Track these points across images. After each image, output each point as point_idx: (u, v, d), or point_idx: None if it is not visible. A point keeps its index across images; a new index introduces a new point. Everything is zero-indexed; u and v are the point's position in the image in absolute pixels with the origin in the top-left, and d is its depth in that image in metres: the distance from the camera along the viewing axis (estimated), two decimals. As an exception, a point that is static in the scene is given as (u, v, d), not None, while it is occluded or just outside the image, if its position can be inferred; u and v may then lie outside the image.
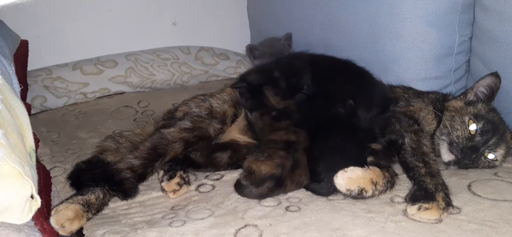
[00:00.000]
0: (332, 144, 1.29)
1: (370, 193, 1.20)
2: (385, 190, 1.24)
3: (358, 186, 1.18)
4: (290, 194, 1.27)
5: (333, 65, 1.66)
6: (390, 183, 1.26)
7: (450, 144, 1.37)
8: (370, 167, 1.24)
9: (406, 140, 1.31)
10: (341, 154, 1.26)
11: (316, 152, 1.29)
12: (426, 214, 1.11)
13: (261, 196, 1.24)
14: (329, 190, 1.23)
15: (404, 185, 1.28)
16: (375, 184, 1.21)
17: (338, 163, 1.23)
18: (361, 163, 1.26)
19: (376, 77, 1.61)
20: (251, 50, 2.34)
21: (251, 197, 1.25)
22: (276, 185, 1.24)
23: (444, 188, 1.18)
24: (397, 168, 1.35)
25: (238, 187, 1.27)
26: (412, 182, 1.23)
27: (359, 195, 1.19)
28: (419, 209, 1.12)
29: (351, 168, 1.20)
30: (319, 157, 1.27)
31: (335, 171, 1.22)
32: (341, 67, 1.64)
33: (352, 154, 1.28)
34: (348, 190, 1.18)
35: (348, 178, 1.18)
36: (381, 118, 1.45)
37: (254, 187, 1.24)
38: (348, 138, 1.31)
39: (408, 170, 1.26)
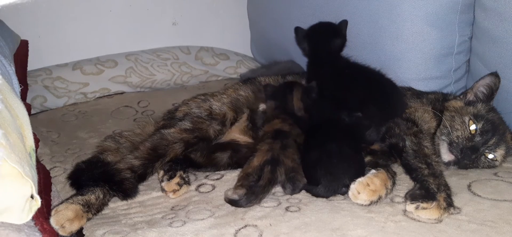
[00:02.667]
0: (328, 149, 1.28)
1: (383, 197, 1.20)
2: (392, 191, 1.24)
3: (379, 195, 1.18)
4: (290, 194, 1.27)
5: (364, 78, 1.55)
6: (394, 183, 1.26)
7: (450, 144, 1.37)
8: (379, 170, 1.24)
9: (407, 143, 1.31)
10: (338, 158, 1.25)
11: (312, 158, 1.28)
12: (426, 213, 1.11)
13: (268, 185, 1.23)
14: (328, 192, 1.23)
15: (404, 185, 1.28)
16: (386, 187, 1.21)
17: (335, 167, 1.23)
18: (360, 167, 1.27)
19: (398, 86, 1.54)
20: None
21: (259, 192, 1.21)
22: (274, 166, 1.25)
23: (447, 189, 1.18)
24: (396, 167, 1.35)
25: (235, 202, 1.22)
26: (415, 182, 1.23)
27: (377, 202, 1.19)
28: (417, 208, 1.12)
29: (369, 178, 1.19)
30: (316, 163, 1.26)
31: (334, 175, 1.22)
32: (372, 84, 1.52)
33: (349, 158, 1.27)
34: (371, 202, 1.18)
35: (371, 191, 1.17)
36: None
37: (253, 188, 1.22)
38: (345, 142, 1.30)
39: (411, 171, 1.26)
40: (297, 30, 1.66)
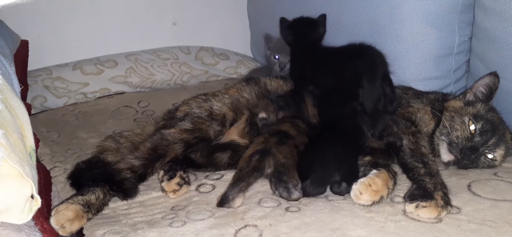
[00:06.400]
0: (320, 148, 1.29)
1: (385, 197, 1.20)
2: (393, 190, 1.24)
3: (380, 195, 1.18)
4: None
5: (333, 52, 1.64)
6: (395, 183, 1.26)
7: (450, 144, 1.37)
8: (380, 170, 1.24)
9: (404, 142, 1.32)
10: (327, 155, 1.26)
11: (305, 156, 1.29)
12: (425, 212, 1.12)
13: (255, 171, 1.22)
14: (316, 188, 1.23)
15: (404, 185, 1.28)
16: (388, 187, 1.21)
17: (323, 164, 1.24)
18: (351, 166, 1.27)
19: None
20: (267, 40, 2.24)
21: (245, 176, 1.21)
22: (263, 155, 1.24)
23: (443, 188, 1.18)
24: (396, 168, 1.35)
25: (225, 199, 1.21)
26: (412, 182, 1.23)
27: (378, 202, 1.19)
28: (416, 207, 1.13)
29: (371, 179, 1.19)
30: (307, 160, 1.26)
31: (322, 169, 1.23)
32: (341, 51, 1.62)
33: (339, 156, 1.27)
34: (373, 202, 1.18)
35: (374, 192, 1.17)
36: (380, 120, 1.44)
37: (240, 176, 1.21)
38: (338, 143, 1.30)
39: (408, 170, 1.26)
40: (282, 20, 1.75)
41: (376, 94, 1.45)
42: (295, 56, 1.70)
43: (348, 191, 1.23)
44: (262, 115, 1.49)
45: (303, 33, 1.68)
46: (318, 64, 1.60)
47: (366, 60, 1.51)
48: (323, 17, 1.73)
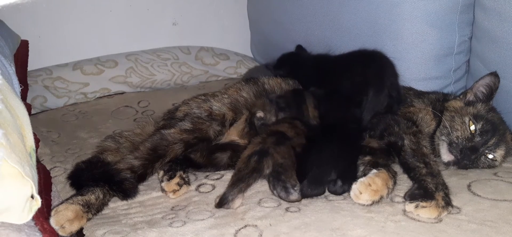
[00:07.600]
0: (318, 148, 1.29)
1: (385, 196, 1.20)
2: (393, 190, 1.24)
3: (380, 195, 1.18)
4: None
5: (344, 59, 1.67)
6: (395, 182, 1.26)
7: (450, 144, 1.37)
8: (380, 170, 1.24)
9: (406, 141, 1.32)
10: (324, 156, 1.27)
11: (305, 158, 1.29)
12: (425, 212, 1.12)
13: (253, 172, 1.22)
14: (312, 192, 1.23)
15: (404, 185, 1.28)
16: (388, 187, 1.21)
17: (323, 167, 1.24)
18: (350, 169, 1.27)
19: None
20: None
21: (244, 177, 1.21)
22: (261, 156, 1.24)
23: (444, 188, 1.18)
24: (396, 167, 1.35)
25: (224, 200, 1.21)
26: (413, 181, 1.23)
27: (378, 202, 1.18)
28: (416, 207, 1.13)
29: (371, 178, 1.19)
30: (308, 162, 1.27)
31: (319, 168, 1.23)
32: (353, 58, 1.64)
33: (339, 160, 1.27)
34: (373, 202, 1.18)
35: (373, 191, 1.17)
36: (381, 120, 1.44)
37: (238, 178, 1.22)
38: (338, 144, 1.30)
39: (409, 170, 1.26)
40: (266, 66, 1.92)
41: (378, 106, 1.44)
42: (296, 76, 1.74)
43: (343, 189, 1.23)
44: (260, 114, 1.49)
45: (292, 63, 1.76)
46: (324, 69, 1.63)
47: (374, 71, 1.51)
48: (299, 47, 1.90)
